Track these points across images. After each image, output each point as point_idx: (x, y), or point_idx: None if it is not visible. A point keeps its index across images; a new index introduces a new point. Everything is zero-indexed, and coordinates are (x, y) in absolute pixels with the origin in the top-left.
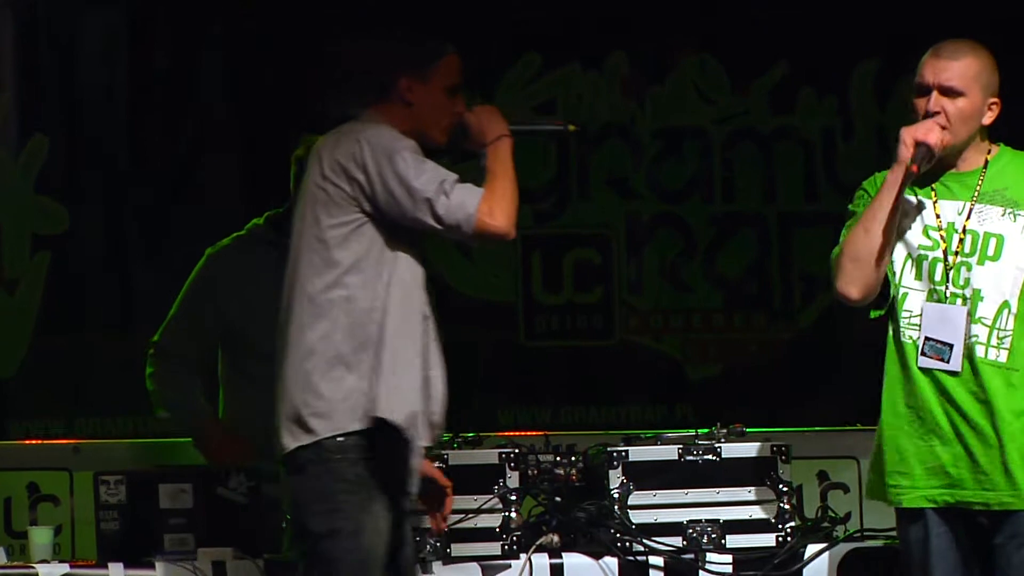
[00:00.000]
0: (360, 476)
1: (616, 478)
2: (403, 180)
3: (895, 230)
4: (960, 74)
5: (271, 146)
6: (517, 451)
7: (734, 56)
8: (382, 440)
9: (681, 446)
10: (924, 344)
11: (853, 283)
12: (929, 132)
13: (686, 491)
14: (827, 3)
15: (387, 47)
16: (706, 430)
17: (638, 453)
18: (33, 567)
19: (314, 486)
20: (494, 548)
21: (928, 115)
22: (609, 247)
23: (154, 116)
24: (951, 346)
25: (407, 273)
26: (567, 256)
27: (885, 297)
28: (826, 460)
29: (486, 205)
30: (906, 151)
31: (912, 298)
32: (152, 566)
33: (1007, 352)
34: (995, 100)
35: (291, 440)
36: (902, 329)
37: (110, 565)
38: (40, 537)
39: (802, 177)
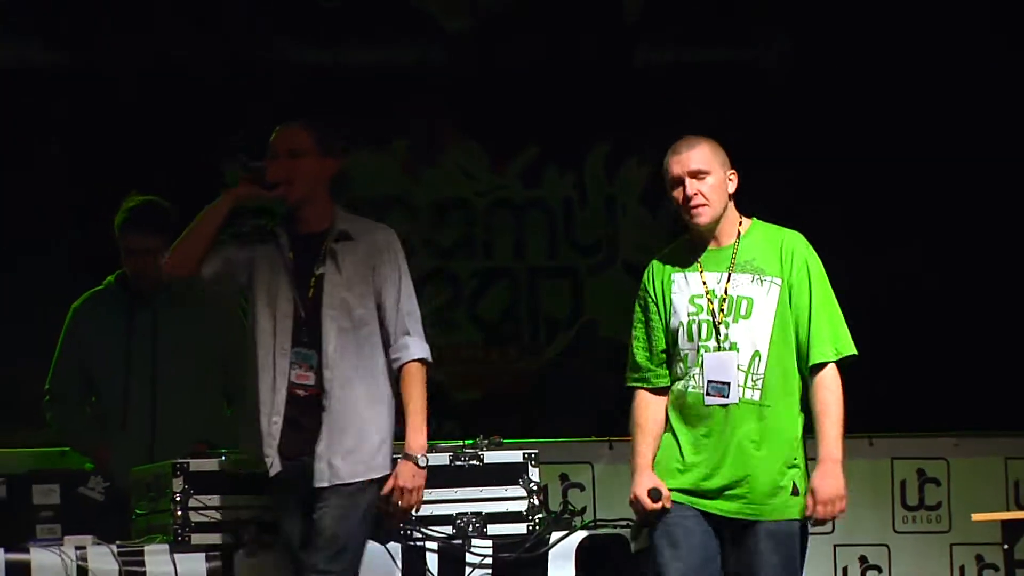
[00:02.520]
0: None
1: None
2: None
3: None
4: (701, 158)
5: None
6: None
7: (492, 141)
8: None
9: (451, 454)
10: (708, 386)
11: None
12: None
13: (455, 489)
14: (566, 98)
15: None
16: (471, 441)
17: None
18: None
19: None
20: None
21: (688, 200)
22: None
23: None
24: (728, 384)
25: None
26: None
27: (666, 369)
28: (567, 465)
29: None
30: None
31: (690, 356)
32: (27, 551)
33: (760, 392)
34: (732, 171)
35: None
36: (685, 384)
37: None
38: None
39: (547, 238)
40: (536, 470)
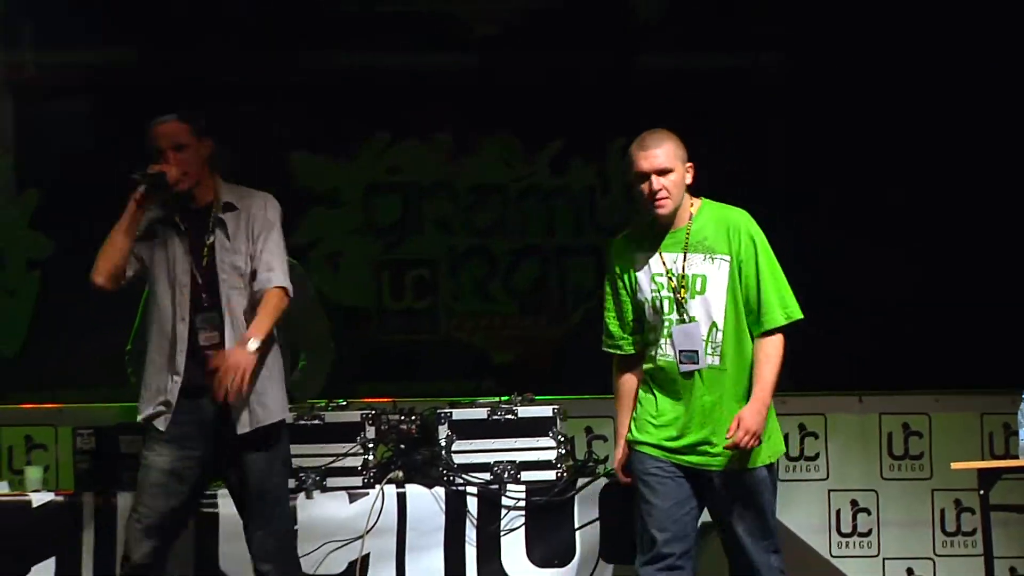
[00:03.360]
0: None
1: (444, 431)
2: None
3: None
4: (666, 157)
5: None
6: (373, 412)
7: (525, 134)
8: None
9: (489, 408)
10: (680, 355)
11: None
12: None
13: (492, 440)
14: (588, 96)
15: None
16: (507, 397)
17: (459, 414)
18: (28, 495)
19: None
20: (357, 481)
21: (654, 194)
22: (437, 268)
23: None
24: (696, 352)
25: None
26: (408, 274)
27: (636, 337)
28: (591, 418)
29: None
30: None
31: (657, 328)
32: (114, 495)
33: (719, 358)
34: (690, 164)
35: None
36: (655, 352)
37: (84, 494)
38: (33, 474)
39: (572, 220)
40: (564, 423)
